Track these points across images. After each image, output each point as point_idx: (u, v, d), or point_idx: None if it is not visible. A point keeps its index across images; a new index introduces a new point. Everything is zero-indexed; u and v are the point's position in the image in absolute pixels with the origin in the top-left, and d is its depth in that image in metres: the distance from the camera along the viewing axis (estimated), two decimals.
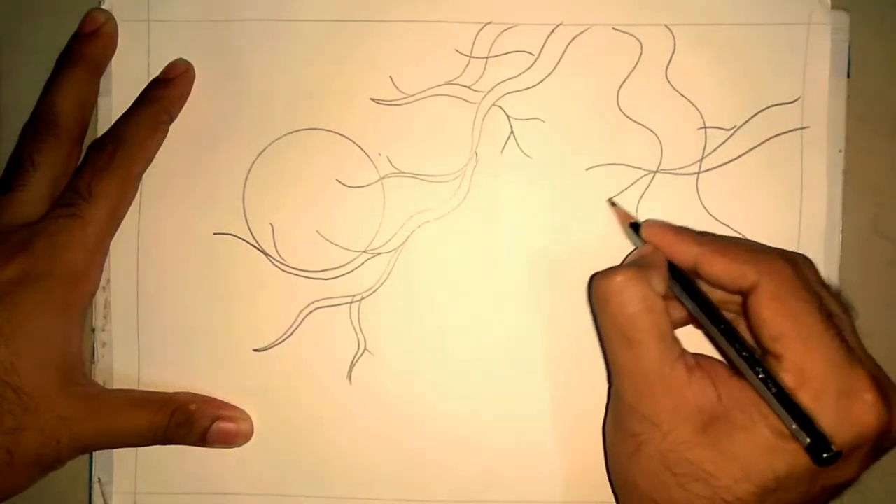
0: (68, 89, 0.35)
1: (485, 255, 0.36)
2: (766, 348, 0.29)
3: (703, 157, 0.36)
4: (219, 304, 0.36)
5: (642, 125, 0.36)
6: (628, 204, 0.36)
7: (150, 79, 0.36)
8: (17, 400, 0.32)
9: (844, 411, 0.28)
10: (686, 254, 0.31)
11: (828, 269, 0.35)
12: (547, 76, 0.36)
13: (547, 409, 0.36)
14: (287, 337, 0.36)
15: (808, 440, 0.27)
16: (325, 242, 0.36)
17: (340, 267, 0.36)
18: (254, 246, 0.36)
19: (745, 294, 0.30)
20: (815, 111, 0.36)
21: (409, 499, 0.36)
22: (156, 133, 0.36)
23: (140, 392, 0.36)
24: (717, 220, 0.36)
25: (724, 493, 0.28)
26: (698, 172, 0.36)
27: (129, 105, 0.36)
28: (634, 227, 0.34)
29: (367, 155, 0.36)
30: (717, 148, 0.36)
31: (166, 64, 0.36)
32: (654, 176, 0.36)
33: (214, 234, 0.36)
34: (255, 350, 0.36)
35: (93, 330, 0.37)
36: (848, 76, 0.36)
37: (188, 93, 0.36)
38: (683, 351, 0.30)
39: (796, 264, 0.30)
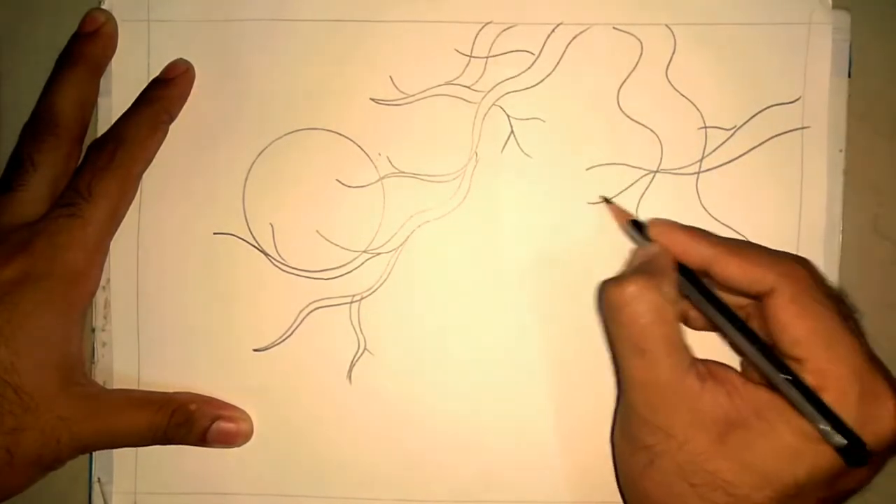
0: (68, 89, 0.35)
1: (485, 255, 0.36)
2: (785, 352, 0.29)
3: (703, 157, 0.36)
4: (219, 304, 0.36)
5: (642, 125, 0.36)
6: (628, 204, 0.35)
7: (150, 79, 0.36)
8: (18, 400, 0.32)
9: (866, 416, 0.28)
10: (699, 255, 0.31)
11: (828, 269, 0.35)
12: (547, 76, 0.36)
13: (547, 409, 0.36)
14: (287, 337, 0.36)
15: (844, 441, 0.27)
16: (325, 242, 0.36)
17: (340, 267, 0.36)
18: (254, 246, 0.36)
19: (759, 297, 0.30)
20: (816, 111, 0.36)
21: (409, 499, 0.36)
22: (156, 133, 0.36)
23: (140, 392, 0.36)
24: (716, 220, 0.36)
25: (744, 501, 0.28)
26: (698, 172, 0.36)
27: (129, 105, 0.36)
28: (637, 225, 0.33)
29: (367, 155, 0.36)
30: (717, 148, 0.36)
31: (166, 64, 0.36)
32: (654, 176, 0.36)
33: (214, 233, 0.36)
34: (255, 350, 0.36)
35: (93, 330, 0.37)
36: (849, 76, 0.36)
37: (188, 93, 0.36)
38: (695, 359, 0.30)
39: (811, 267, 0.30)
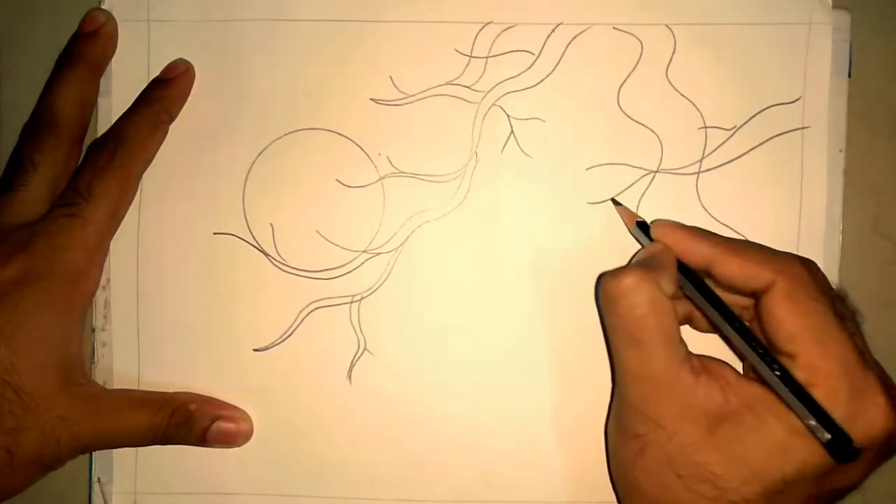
0: (68, 89, 0.35)
1: (485, 255, 0.36)
2: (779, 348, 0.29)
3: (703, 157, 0.36)
4: (219, 304, 0.36)
5: (642, 125, 0.36)
6: (629, 204, 0.36)
7: (150, 79, 0.36)
8: (18, 400, 0.32)
9: (855, 413, 0.28)
10: (700, 254, 0.31)
11: (828, 268, 0.35)
12: (547, 76, 0.36)
13: (547, 409, 0.36)
14: (287, 337, 0.36)
15: (829, 436, 0.27)
16: (325, 242, 0.36)
17: (340, 267, 0.36)
18: (254, 246, 0.36)
19: (758, 295, 0.30)
20: (816, 111, 0.36)
21: (409, 499, 0.36)
22: (156, 133, 0.36)
23: (140, 392, 0.36)
24: (716, 220, 0.36)
25: (731, 494, 0.28)
26: (698, 172, 0.36)
27: (129, 105, 0.36)
28: (642, 226, 0.33)
29: (367, 155, 0.36)
30: (717, 148, 0.36)
31: (166, 64, 0.36)
32: (654, 176, 0.36)
33: (214, 233, 0.36)
34: (255, 350, 0.36)
35: (93, 330, 0.37)
36: (849, 76, 0.36)
37: (188, 93, 0.36)
38: (689, 353, 0.30)
39: (811, 266, 0.31)
